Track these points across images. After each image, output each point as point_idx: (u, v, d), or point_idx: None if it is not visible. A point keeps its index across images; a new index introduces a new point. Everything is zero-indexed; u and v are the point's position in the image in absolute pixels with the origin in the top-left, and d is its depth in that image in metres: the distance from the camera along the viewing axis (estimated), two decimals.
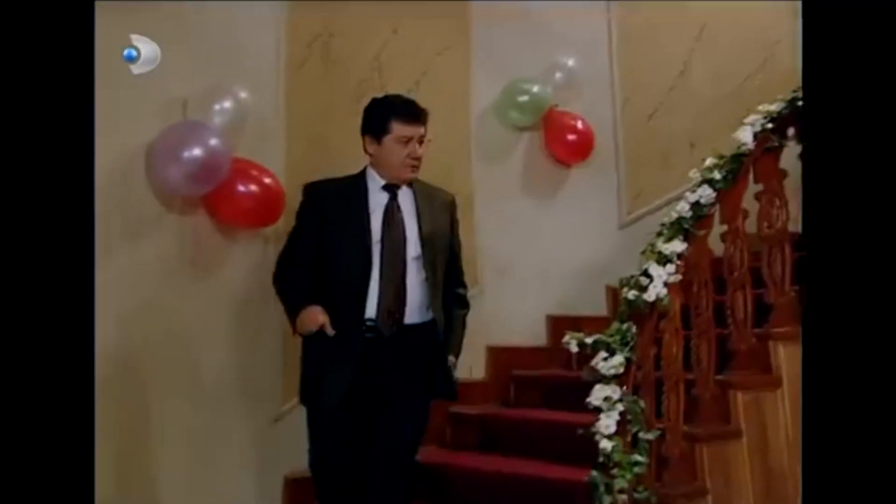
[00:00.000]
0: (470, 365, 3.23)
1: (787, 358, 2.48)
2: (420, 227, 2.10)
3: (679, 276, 2.05)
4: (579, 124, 3.53)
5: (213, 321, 2.60)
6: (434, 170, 3.34)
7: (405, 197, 2.13)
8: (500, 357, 3.36)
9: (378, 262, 2.03)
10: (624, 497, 1.53)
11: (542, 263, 3.52)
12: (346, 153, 2.38)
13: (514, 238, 3.46)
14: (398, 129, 2.03)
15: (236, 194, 2.43)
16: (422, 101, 2.14)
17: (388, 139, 2.04)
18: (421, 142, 2.07)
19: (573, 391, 2.74)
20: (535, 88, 3.44)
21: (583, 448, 2.19)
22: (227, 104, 2.43)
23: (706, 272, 2.42)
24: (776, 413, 2.44)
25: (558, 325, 3.42)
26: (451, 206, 2.24)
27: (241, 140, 2.53)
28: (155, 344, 2.37)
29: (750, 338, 2.46)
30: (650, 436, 1.72)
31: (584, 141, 3.54)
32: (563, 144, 3.54)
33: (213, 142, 2.28)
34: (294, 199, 2.55)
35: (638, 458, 1.61)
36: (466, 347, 3.21)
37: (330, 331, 1.96)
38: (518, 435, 2.90)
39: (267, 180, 2.48)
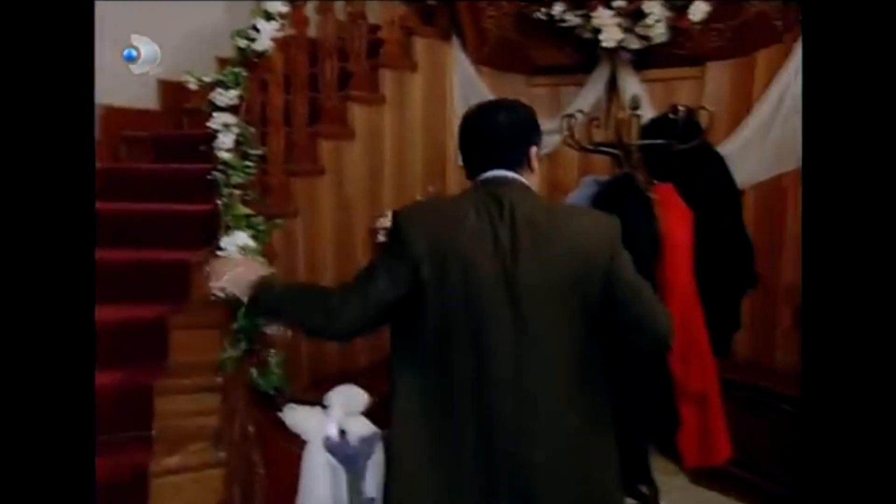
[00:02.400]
0: None
1: (360, 116, 3.25)
2: None
3: (282, 33, 2.51)
4: None
5: None
6: None
7: None
8: (113, 117, 3.49)
9: None
10: (239, 191, 2.07)
11: (158, 28, 3.58)
12: None
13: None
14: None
15: None
16: None
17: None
18: None
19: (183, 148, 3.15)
20: None
21: (188, 194, 2.71)
22: None
23: (304, 39, 2.95)
24: (351, 157, 3.24)
25: (169, 89, 3.69)
26: None
27: None
28: None
29: (334, 98, 3.14)
30: (259, 151, 2.26)
31: None
32: None
33: None
34: None
35: (248, 163, 2.13)
36: None
37: None
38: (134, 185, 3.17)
39: None
